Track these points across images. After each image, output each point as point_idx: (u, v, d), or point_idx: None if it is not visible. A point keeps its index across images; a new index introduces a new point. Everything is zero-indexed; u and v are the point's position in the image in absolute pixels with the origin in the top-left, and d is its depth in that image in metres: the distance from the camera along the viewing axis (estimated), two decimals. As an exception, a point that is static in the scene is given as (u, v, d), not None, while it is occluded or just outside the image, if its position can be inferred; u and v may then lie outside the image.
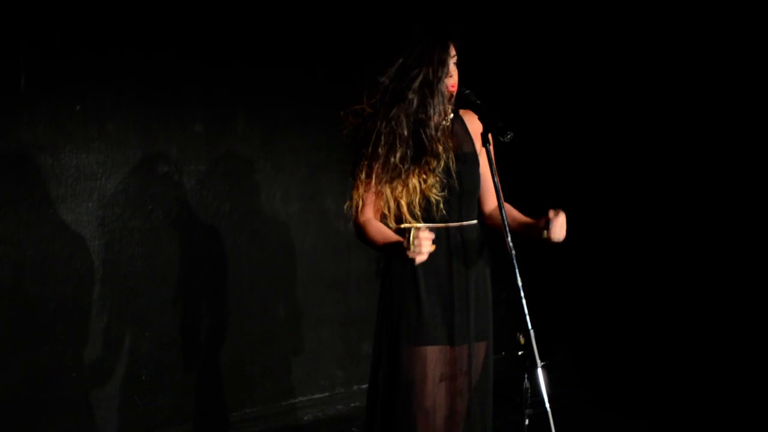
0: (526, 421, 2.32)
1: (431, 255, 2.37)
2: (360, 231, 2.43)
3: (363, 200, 2.42)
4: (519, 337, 2.29)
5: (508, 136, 2.29)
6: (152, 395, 3.87)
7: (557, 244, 2.41)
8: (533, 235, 2.44)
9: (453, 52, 2.42)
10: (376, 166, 2.37)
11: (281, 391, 4.33)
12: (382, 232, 2.38)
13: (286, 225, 4.35)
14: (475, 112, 2.41)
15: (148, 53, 3.83)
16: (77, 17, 3.62)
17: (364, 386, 4.36)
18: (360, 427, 4.09)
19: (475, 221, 2.54)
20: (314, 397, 4.44)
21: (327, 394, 4.49)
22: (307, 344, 4.41)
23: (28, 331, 3.52)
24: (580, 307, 5.46)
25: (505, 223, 2.32)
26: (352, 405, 4.47)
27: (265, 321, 4.28)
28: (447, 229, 2.46)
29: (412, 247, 2.15)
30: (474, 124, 2.54)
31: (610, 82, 5.34)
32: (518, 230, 2.49)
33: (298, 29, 4.32)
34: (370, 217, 2.43)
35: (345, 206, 2.45)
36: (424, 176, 2.39)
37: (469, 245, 2.49)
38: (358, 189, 2.42)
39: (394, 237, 2.33)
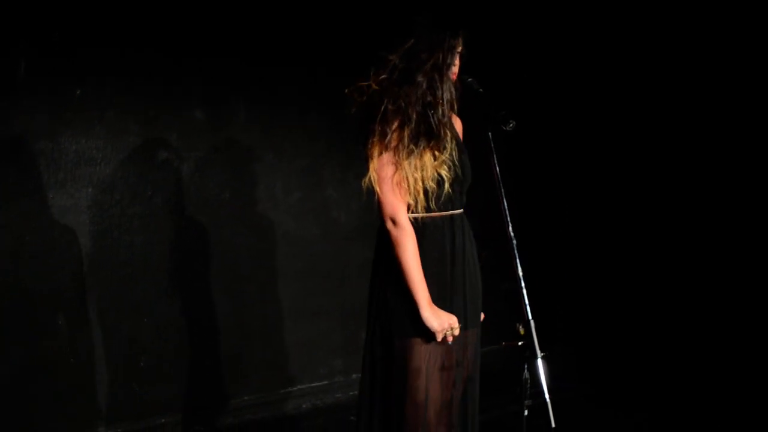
0: (526, 412, 2.31)
1: (436, 245, 2.42)
2: (400, 234, 2.36)
3: (392, 188, 2.35)
4: (518, 328, 2.28)
5: (510, 125, 2.29)
6: (151, 383, 3.87)
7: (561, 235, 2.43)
8: None
9: (461, 41, 2.44)
10: (390, 142, 2.35)
11: (280, 380, 4.33)
12: (419, 264, 2.36)
13: (286, 214, 4.34)
14: (478, 99, 2.41)
15: (149, 41, 3.81)
16: (79, 6, 3.60)
17: (362, 376, 4.37)
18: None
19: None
20: (313, 385, 4.44)
21: (326, 382, 4.49)
22: (306, 333, 4.41)
23: (26, 318, 3.52)
24: (580, 300, 5.45)
25: (506, 212, 2.32)
26: (351, 393, 4.46)
27: (264, 309, 4.28)
28: (452, 216, 2.46)
29: (445, 331, 2.34)
30: (457, 124, 2.59)
31: (610, 80, 5.31)
32: None
33: (299, 17, 4.29)
34: (408, 222, 2.38)
35: (364, 181, 2.38)
36: (436, 153, 2.39)
37: (466, 233, 2.51)
38: (377, 168, 2.36)
39: (425, 287, 2.37)
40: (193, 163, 4.00)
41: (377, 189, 2.37)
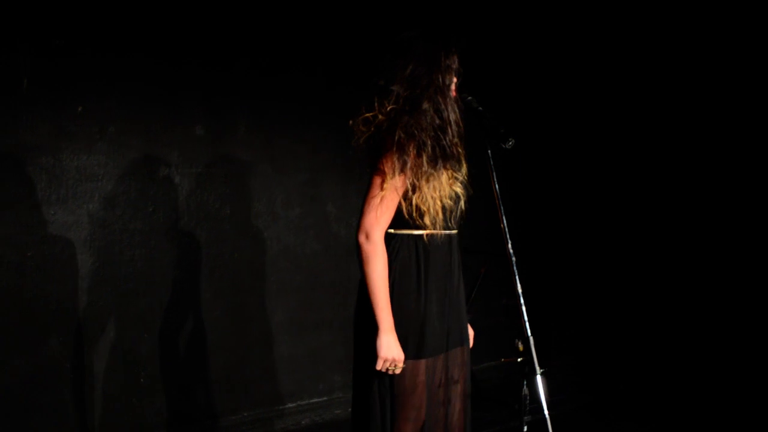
0: (525, 428, 2.32)
1: (437, 264, 2.43)
2: (372, 251, 2.34)
3: (384, 207, 2.35)
4: (518, 344, 2.29)
5: (510, 143, 2.31)
6: (150, 397, 3.87)
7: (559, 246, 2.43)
8: None
9: (456, 59, 2.45)
10: (408, 168, 2.34)
11: (279, 395, 4.33)
12: (387, 284, 2.35)
13: (286, 228, 4.35)
14: (477, 118, 2.42)
15: (150, 56, 3.83)
16: (81, 19, 3.63)
17: (362, 391, 4.36)
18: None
19: None
20: (312, 401, 4.43)
21: (325, 398, 4.49)
22: (305, 348, 4.41)
23: (28, 332, 3.52)
24: (578, 312, 5.45)
25: (505, 229, 2.33)
26: (350, 410, 4.45)
27: (265, 324, 4.28)
28: (450, 236, 2.48)
29: (388, 369, 2.32)
30: None
31: (608, 86, 5.34)
32: None
33: (299, 33, 4.32)
34: (382, 242, 2.37)
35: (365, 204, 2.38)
36: (451, 172, 2.42)
37: (459, 252, 2.53)
38: (382, 192, 2.34)
39: (389, 309, 2.34)
40: (194, 178, 4.02)
41: (373, 198, 2.34)
